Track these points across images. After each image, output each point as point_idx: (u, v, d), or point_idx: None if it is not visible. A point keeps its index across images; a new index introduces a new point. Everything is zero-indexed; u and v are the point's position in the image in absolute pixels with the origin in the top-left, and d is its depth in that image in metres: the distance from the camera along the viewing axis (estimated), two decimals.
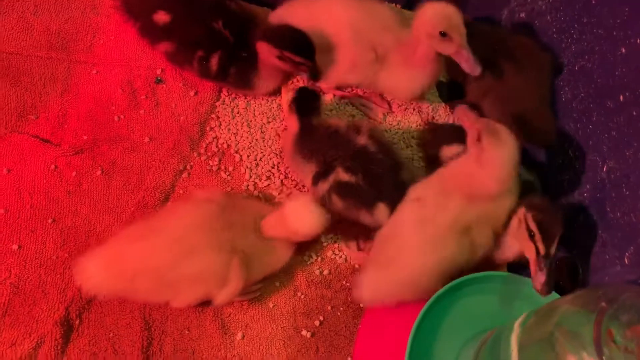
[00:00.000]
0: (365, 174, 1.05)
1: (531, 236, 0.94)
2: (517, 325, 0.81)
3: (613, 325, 0.67)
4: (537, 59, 1.12)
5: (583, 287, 1.01)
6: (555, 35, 1.13)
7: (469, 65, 1.10)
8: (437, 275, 0.98)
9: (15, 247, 1.06)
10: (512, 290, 1.00)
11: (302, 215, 0.99)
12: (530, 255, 0.95)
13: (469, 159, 1.00)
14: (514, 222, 0.99)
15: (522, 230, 0.96)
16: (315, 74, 1.20)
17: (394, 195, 1.04)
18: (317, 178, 1.08)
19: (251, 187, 1.21)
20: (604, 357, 0.65)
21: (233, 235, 0.99)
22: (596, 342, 0.66)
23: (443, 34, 1.09)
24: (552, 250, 0.94)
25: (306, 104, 1.13)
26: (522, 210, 0.97)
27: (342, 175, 1.05)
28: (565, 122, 1.08)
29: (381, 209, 1.04)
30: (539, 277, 0.93)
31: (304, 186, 1.20)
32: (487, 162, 0.96)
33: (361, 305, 1.13)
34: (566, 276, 1.04)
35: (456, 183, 1.00)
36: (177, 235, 0.97)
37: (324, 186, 1.07)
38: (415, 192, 1.04)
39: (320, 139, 1.09)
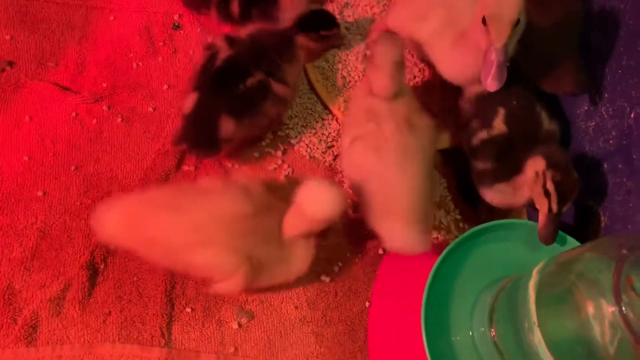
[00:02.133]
0: None
1: (547, 194, 0.94)
2: (535, 272, 0.81)
3: (633, 272, 0.66)
4: (567, 1, 1.07)
5: (605, 235, 1.00)
6: None
7: (489, 73, 0.91)
8: (429, 179, 0.98)
9: (40, 193, 1.08)
10: (534, 239, 0.99)
11: (316, 198, 0.91)
12: (542, 209, 0.95)
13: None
14: (531, 172, 0.98)
15: (539, 186, 0.96)
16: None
17: None
18: None
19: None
20: (622, 304, 0.65)
21: (254, 242, 0.94)
22: (615, 289, 0.65)
23: (484, 21, 0.91)
24: (564, 210, 0.94)
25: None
26: (541, 164, 0.96)
27: None
28: (593, 66, 1.04)
29: None
30: (546, 232, 0.94)
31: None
32: (377, 63, 0.98)
33: (380, 252, 1.14)
34: (588, 224, 1.03)
35: (366, 93, 1.01)
36: (199, 222, 0.92)
37: None
38: (348, 135, 1.01)
39: None
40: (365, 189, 0.99)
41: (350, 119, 1.05)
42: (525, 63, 1.08)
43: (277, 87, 1.10)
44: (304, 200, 0.91)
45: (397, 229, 0.96)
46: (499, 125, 1.04)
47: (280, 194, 1.02)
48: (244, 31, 1.13)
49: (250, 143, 1.19)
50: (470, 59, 1.00)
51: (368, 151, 0.97)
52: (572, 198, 0.95)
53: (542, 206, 0.95)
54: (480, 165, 1.07)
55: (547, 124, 1.04)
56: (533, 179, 0.98)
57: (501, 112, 1.05)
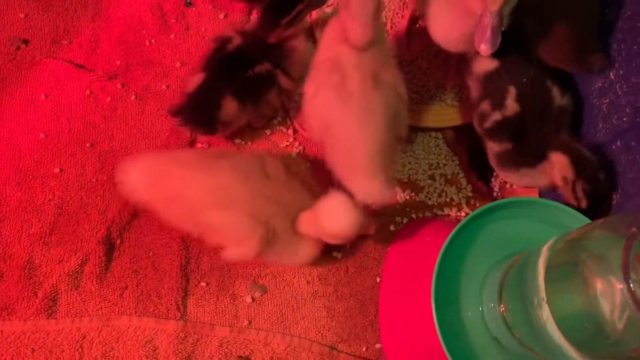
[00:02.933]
0: None
1: (575, 196, 1.00)
2: (545, 249, 0.82)
3: None
4: None
5: (616, 213, 1.00)
6: None
7: (483, 37, 0.88)
8: (391, 133, 0.97)
9: (56, 170, 1.10)
10: (544, 216, 0.99)
11: (336, 214, 0.91)
12: (568, 196, 1.00)
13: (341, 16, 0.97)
14: (557, 173, 1.01)
15: (568, 190, 1.00)
16: None
17: None
18: None
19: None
20: (630, 282, 0.65)
21: (272, 210, 0.95)
22: (624, 267, 0.65)
23: None
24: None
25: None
26: (569, 169, 1.00)
27: None
28: (607, 43, 1.02)
29: None
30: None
31: None
32: (354, 11, 0.94)
33: (391, 228, 1.15)
34: (599, 201, 1.03)
35: (337, 41, 0.98)
36: (222, 181, 0.94)
37: None
38: (313, 84, 1.00)
39: None
40: (328, 141, 0.99)
41: (316, 67, 1.02)
42: (538, 38, 1.07)
43: (282, 79, 1.10)
44: (324, 214, 0.92)
45: (359, 182, 0.96)
46: (511, 104, 1.03)
47: (294, 169, 1.03)
48: (251, 24, 1.13)
49: (250, 132, 1.19)
50: (459, 22, 0.98)
51: (331, 103, 0.96)
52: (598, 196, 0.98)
53: (569, 196, 1.00)
54: (497, 147, 1.07)
55: (559, 99, 1.03)
56: (559, 179, 1.00)
57: (512, 90, 1.04)
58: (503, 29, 0.90)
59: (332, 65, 0.98)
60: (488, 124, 1.07)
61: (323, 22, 1.25)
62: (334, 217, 0.91)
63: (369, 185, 0.96)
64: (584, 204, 0.97)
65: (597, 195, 0.98)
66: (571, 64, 1.06)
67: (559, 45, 1.05)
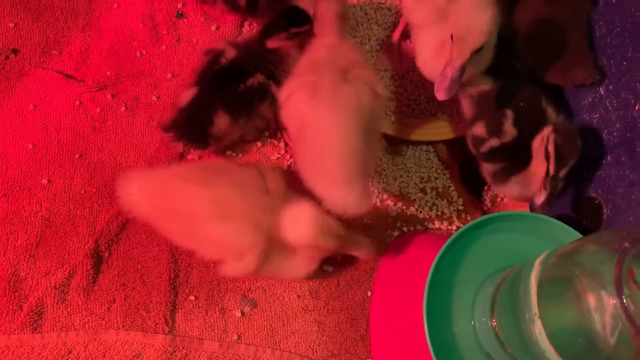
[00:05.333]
0: None
1: (546, 156, 0.96)
2: (537, 263, 0.82)
3: (635, 265, 0.66)
4: None
5: (607, 227, 1.00)
6: None
7: (441, 84, 0.94)
8: (366, 137, 0.94)
9: (44, 181, 1.09)
10: (536, 230, 1.00)
11: (295, 223, 0.90)
12: (540, 172, 0.97)
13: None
14: (537, 140, 0.99)
15: (541, 148, 0.97)
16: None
17: None
18: None
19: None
20: (623, 296, 0.65)
21: (272, 221, 0.93)
22: (617, 282, 0.65)
23: (452, 38, 0.94)
24: (562, 173, 0.96)
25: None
26: (548, 129, 0.98)
27: None
28: (598, 58, 1.03)
29: None
30: (541, 195, 0.96)
31: None
32: (322, 11, 1.04)
33: (389, 240, 1.15)
34: (591, 216, 1.03)
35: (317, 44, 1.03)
36: (222, 197, 0.93)
37: None
38: (288, 87, 1.00)
39: None
40: (301, 145, 0.98)
41: (294, 72, 1.03)
42: (532, 54, 1.07)
43: (276, 90, 1.09)
44: (285, 221, 0.90)
45: (330, 189, 0.92)
46: (509, 130, 1.03)
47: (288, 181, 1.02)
48: (243, 37, 1.14)
49: (242, 144, 1.18)
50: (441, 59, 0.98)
51: (304, 102, 0.95)
52: (570, 162, 0.97)
53: (540, 169, 0.97)
54: (492, 167, 1.07)
55: (554, 118, 1.04)
56: (538, 145, 0.98)
57: (510, 115, 1.03)
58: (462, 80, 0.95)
59: (309, 66, 0.99)
60: (484, 149, 1.06)
61: None
62: (292, 226, 0.90)
63: (339, 192, 0.92)
64: (552, 163, 0.95)
65: (565, 156, 0.96)
66: (561, 79, 1.07)
67: (550, 60, 1.06)
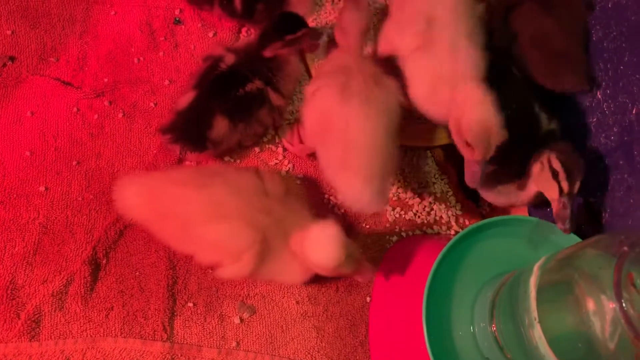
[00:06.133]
0: None
1: (555, 175, 0.94)
2: (536, 267, 0.82)
3: (634, 269, 0.66)
4: None
5: (605, 231, 1.00)
6: None
7: (472, 178, 0.96)
8: (391, 140, 0.97)
9: (42, 188, 1.09)
10: (536, 235, 1.00)
11: (321, 244, 0.88)
12: (553, 194, 0.95)
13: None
14: (536, 167, 0.98)
15: (546, 172, 0.96)
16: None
17: None
18: None
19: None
20: (623, 301, 0.65)
21: (268, 222, 0.93)
22: (616, 286, 0.66)
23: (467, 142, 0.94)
24: (575, 188, 0.94)
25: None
26: (545, 155, 0.97)
27: None
28: (594, 62, 1.04)
29: None
30: (563, 215, 0.93)
31: None
32: (345, 24, 1.04)
33: (388, 245, 1.14)
34: (589, 220, 1.03)
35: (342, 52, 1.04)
36: (217, 196, 0.93)
37: None
38: (315, 84, 1.02)
39: None
40: (325, 138, 0.98)
41: (319, 72, 1.05)
42: (528, 60, 1.08)
43: (273, 96, 1.11)
44: (309, 241, 0.89)
45: (353, 184, 0.94)
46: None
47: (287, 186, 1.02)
48: (241, 42, 1.15)
49: (240, 150, 1.19)
50: (444, 109, 0.99)
51: (333, 97, 0.96)
52: (580, 175, 0.94)
53: (553, 191, 0.95)
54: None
55: (547, 124, 1.04)
56: (539, 172, 0.97)
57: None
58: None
59: (338, 68, 1.00)
60: None
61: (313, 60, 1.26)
62: (318, 247, 0.89)
63: (362, 189, 0.94)
64: (563, 180, 0.93)
65: (573, 170, 0.94)
66: (551, 83, 1.07)
67: (545, 65, 1.06)
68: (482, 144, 0.92)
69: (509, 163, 1.02)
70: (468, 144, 0.93)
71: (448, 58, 0.98)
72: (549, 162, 0.95)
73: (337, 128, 0.96)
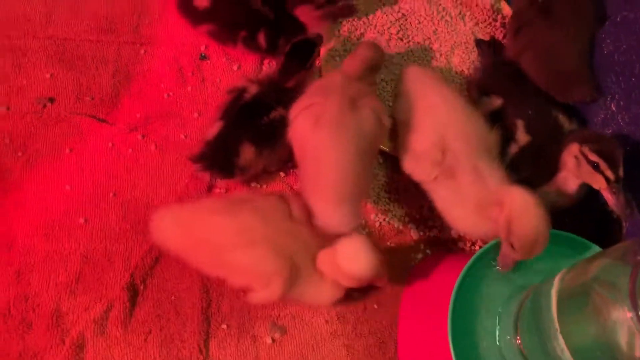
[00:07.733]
0: None
1: (596, 167, 0.95)
2: (557, 279, 0.83)
3: None
4: (578, 12, 1.09)
5: (623, 240, 1.01)
6: None
7: (506, 264, 0.98)
8: (363, 162, 1.00)
9: (81, 220, 1.15)
10: (556, 247, 1.01)
11: (354, 254, 0.93)
12: (601, 185, 0.96)
13: None
14: (570, 161, 0.99)
15: (584, 165, 0.96)
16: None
17: None
18: None
19: None
20: (638, 309, 0.66)
21: (296, 247, 0.97)
22: (631, 295, 0.67)
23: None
24: (620, 172, 0.94)
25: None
26: (575, 147, 0.97)
27: None
28: (607, 75, 1.05)
29: None
30: (618, 201, 0.94)
31: None
32: (357, 55, 1.11)
33: (413, 264, 1.17)
34: (610, 231, 1.04)
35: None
36: (247, 225, 0.97)
37: None
38: (297, 107, 1.05)
39: None
40: (301, 162, 1.04)
41: (306, 93, 1.09)
42: (540, 73, 1.10)
43: None
44: (342, 253, 0.93)
45: (323, 207, 0.99)
46: (522, 136, 1.07)
47: None
48: (264, 73, 1.22)
49: (265, 176, 1.23)
50: (486, 226, 1.02)
51: (307, 122, 1.01)
52: (620, 156, 0.94)
53: (600, 181, 0.95)
54: (518, 176, 1.09)
55: (568, 125, 1.06)
56: (575, 165, 0.98)
57: (520, 124, 1.07)
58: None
59: (320, 89, 1.05)
60: (507, 156, 1.09)
61: (327, 60, 1.31)
62: (351, 258, 0.93)
63: (331, 211, 0.99)
64: (607, 169, 0.93)
65: (612, 156, 0.93)
66: (562, 96, 1.10)
67: (554, 79, 1.09)
68: (526, 250, 0.93)
69: (539, 167, 1.04)
70: (512, 244, 0.94)
71: (473, 185, 1.00)
72: (584, 156, 0.96)
73: (310, 154, 1.01)
